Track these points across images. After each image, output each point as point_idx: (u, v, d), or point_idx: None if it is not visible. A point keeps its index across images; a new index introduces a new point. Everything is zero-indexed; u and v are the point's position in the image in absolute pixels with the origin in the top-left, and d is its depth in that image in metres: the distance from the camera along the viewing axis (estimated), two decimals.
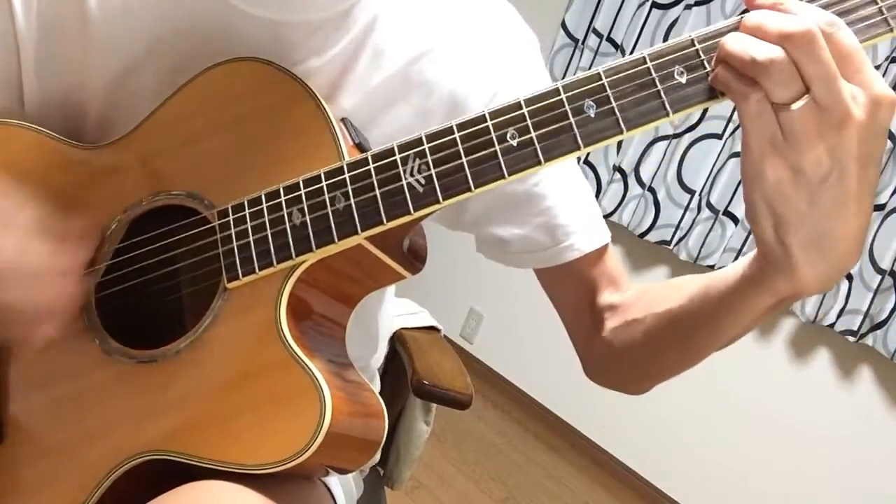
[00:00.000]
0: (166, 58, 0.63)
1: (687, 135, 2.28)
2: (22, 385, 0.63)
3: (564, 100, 0.49)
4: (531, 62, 0.70)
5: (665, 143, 2.33)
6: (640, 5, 2.33)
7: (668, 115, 0.46)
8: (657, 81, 0.47)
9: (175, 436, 0.55)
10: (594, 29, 2.43)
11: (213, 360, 0.56)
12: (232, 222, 0.57)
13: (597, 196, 2.46)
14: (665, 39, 2.28)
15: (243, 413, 0.54)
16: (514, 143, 0.49)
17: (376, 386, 0.93)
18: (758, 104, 0.43)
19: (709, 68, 0.46)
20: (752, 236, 2.19)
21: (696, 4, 2.23)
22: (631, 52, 2.36)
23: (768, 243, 0.47)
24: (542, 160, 0.49)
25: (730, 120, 2.20)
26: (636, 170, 2.39)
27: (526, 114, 0.49)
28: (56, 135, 0.65)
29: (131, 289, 0.62)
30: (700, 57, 0.46)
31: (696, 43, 0.46)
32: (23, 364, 0.64)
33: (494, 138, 0.50)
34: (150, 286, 0.62)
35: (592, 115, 0.48)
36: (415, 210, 0.52)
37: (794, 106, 0.42)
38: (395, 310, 1.05)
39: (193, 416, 0.55)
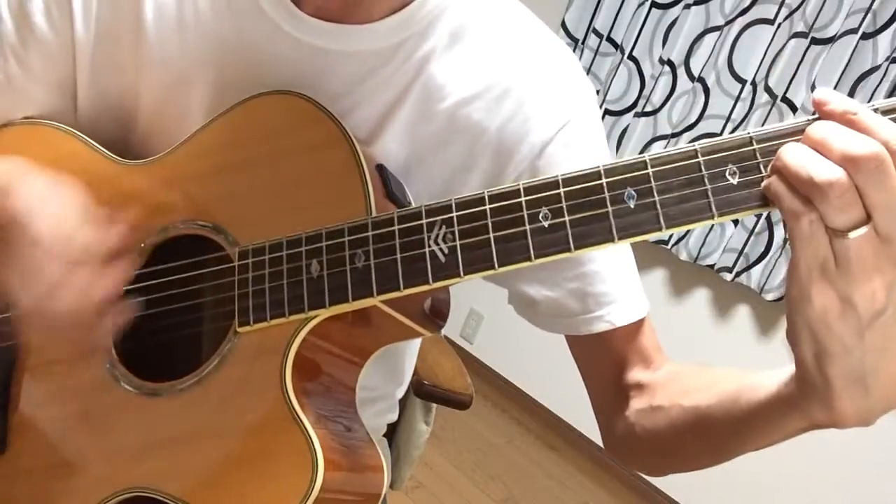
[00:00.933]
0: (214, 74, 0.63)
1: (686, 133, 2.28)
2: (31, 398, 0.63)
3: (605, 185, 0.45)
4: (588, 117, 0.66)
5: (664, 142, 2.33)
6: (640, 5, 2.33)
7: (712, 217, 0.43)
8: (706, 179, 0.43)
9: (166, 476, 0.55)
10: (594, 29, 2.43)
11: (213, 405, 0.55)
12: (251, 265, 0.56)
13: None
14: (665, 39, 2.29)
15: (235, 465, 0.53)
16: (546, 224, 0.46)
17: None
18: (810, 226, 0.39)
19: (764, 173, 0.41)
20: (752, 237, 2.20)
21: (696, 4, 2.23)
22: (630, 52, 2.37)
23: (808, 370, 0.43)
24: (573, 247, 0.46)
25: (728, 119, 2.20)
26: None
27: (562, 194, 0.46)
28: (98, 146, 0.65)
29: (149, 316, 0.61)
30: (757, 159, 0.42)
31: (754, 142, 0.42)
32: (35, 377, 0.63)
33: (526, 216, 0.47)
34: (167, 316, 0.62)
35: (632, 207, 0.44)
36: (433, 280, 0.50)
37: (852, 234, 0.38)
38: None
39: (186, 458, 0.55)
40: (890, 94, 1.95)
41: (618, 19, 2.39)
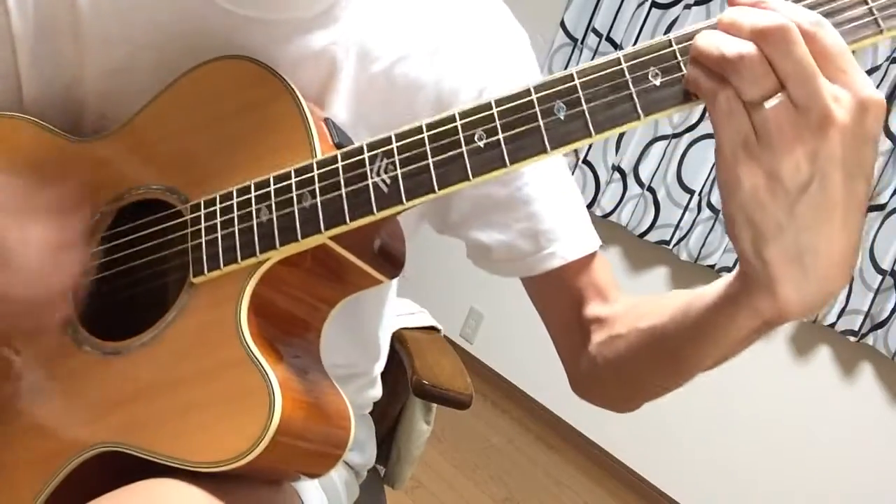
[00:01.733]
0: (156, 54, 0.64)
1: (686, 134, 2.28)
2: None
3: (535, 100, 0.47)
4: (520, 58, 0.69)
5: (664, 142, 2.33)
6: (640, 5, 2.33)
7: (639, 118, 0.45)
8: (630, 83, 0.45)
9: (130, 429, 0.55)
10: (593, 28, 2.43)
11: (173, 356, 0.56)
12: (203, 217, 0.58)
13: (595, 196, 2.46)
14: None
15: (194, 410, 0.53)
16: (482, 144, 0.48)
17: (378, 391, 0.92)
18: (727, 103, 0.41)
19: (685, 71, 0.44)
20: None
21: (696, 4, 2.23)
22: None
23: (747, 258, 0.44)
24: (508, 162, 0.47)
25: None
26: (635, 169, 2.39)
27: (495, 114, 0.48)
28: (53, 127, 0.66)
29: (110, 279, 0.63)
30: (677, 58, 0.44)
31: (673, 43, 0.44)
32: None
33: (462, 139, 0.49)
34: (127, 277, 0.63)
35: (562, 118, 0.46)
36: (378, 211, 0.51)
37: (768, 105, 0.40)
38: (395, 310, 1.04)
39: (148, 410, 0.55)
40: (890, 95, 1.95)
41: (617, 19, 2.39)
